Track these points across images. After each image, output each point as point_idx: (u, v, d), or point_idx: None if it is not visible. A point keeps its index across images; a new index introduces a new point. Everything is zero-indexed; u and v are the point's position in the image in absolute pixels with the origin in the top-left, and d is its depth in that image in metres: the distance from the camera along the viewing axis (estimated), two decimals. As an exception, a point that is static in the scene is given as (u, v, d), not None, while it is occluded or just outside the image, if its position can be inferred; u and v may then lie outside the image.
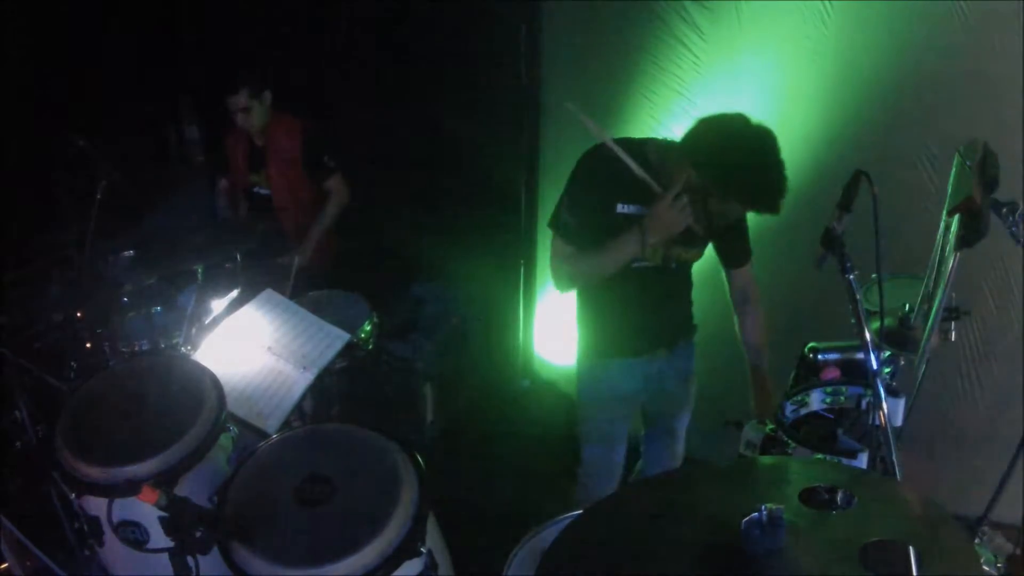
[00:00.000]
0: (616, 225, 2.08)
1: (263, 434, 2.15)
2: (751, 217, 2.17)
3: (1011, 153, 1.98)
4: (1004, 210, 1.65)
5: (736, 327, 2.39)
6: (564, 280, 2.24)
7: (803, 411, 2.07)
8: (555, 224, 2.20)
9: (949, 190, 1.77)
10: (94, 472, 1.86)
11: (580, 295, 2.38)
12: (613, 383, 2.43)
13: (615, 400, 2.47)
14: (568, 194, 2.16)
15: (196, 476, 1.91)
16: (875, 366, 1.61)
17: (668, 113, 2.81)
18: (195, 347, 2.51)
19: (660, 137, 2.20)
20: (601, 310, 2.36)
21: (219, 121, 3.59)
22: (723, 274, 2.39)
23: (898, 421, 1.82)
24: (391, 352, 3.37)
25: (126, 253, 3.19)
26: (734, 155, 1.89)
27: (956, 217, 1.66)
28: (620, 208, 2.08)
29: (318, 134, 3.53)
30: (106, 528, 1.90)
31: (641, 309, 2.31)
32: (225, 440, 2.04)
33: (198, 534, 1.56)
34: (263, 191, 3.62)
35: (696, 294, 2.45)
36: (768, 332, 2.38)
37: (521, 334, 3.78)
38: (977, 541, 2.34)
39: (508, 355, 3.86)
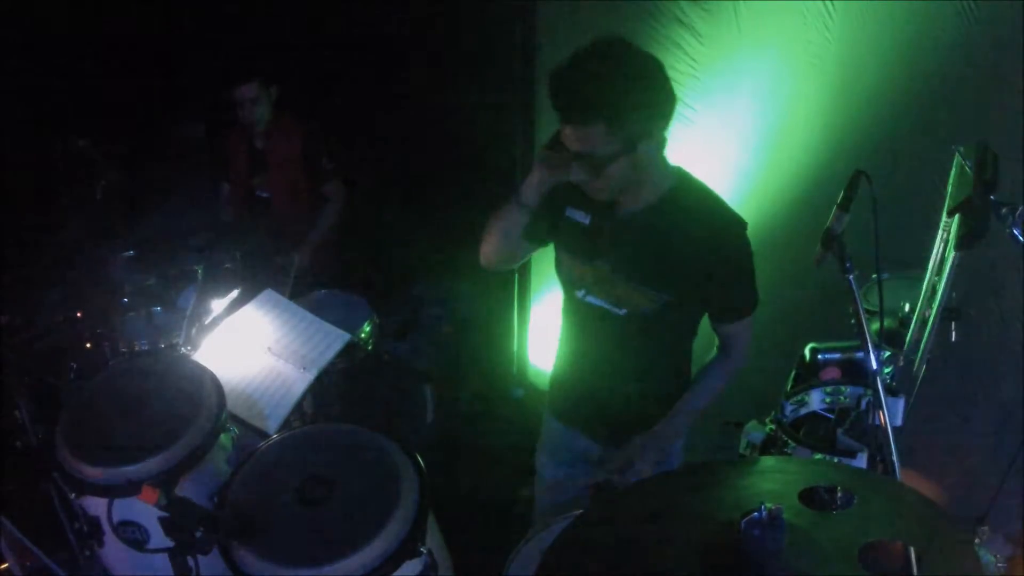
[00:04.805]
0: (564, 227, 2.01)
1: (263, 434, 2.16)
2: (754, 218, 2.15)
3: (1011, 153, 1.98)
4: (1004, 210, 1.65)
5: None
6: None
7: (803, 411, 2.07)
8: None
9: (949, 190, 1.77)
10: (94, 472, 1.86)
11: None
12: (559, 442, 2.26)
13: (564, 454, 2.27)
14: None
15: (196, 476, 1.92)
16: (875, 366, 1.61)
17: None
18: (195, 347, 2.51)
19: None
20: (560, 341, 2.16)
21: (221, 121, 3.59)
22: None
23: (898, 421, 1.82)
24: (391, 352, 3.37)
25: (126, 253, 3.19)
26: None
27: (956, 217, 1.67)
28: (568, 212, 2.01)
29: (318, 135, 3.52)
30: (106, 528, 1.91)
31: (590, 360, 2.08)
32: (225, 440, 2.04)
33: (198, 534, 1.57)
34: (264, 194, 3.61)
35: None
36: (729, 383, 2.03)
37: (516, 343, 3.76)
38: (977, 541, 2.33)
39: (503, 364, 3.84)
